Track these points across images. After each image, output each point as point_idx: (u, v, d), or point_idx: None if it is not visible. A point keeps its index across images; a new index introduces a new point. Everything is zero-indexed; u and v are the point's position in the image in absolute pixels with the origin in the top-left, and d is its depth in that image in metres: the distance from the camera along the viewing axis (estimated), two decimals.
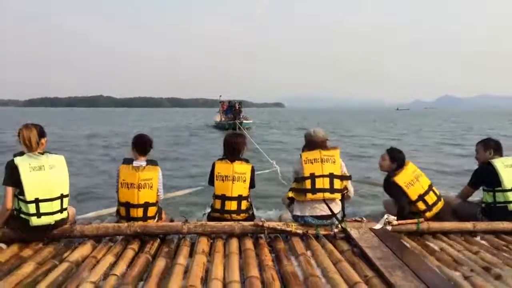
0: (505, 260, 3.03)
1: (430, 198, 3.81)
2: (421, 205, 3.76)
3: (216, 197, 3.76)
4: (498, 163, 3.89)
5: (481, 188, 4.10)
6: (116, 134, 26.50)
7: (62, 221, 3.29)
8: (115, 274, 2.64)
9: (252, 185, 3.84)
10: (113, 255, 3.00)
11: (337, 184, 3.61)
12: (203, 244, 3.22)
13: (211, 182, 3.82)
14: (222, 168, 3.76)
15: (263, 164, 7.49)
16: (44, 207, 3.14)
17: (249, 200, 3.85)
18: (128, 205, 3.53)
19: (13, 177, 3.08)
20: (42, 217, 3.14)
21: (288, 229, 3.47)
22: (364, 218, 3.70)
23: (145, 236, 3.40)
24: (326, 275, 2.67)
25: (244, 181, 3.73)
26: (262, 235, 3.48)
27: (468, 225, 3.71)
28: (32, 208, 3.10)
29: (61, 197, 3.25)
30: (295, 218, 3.67)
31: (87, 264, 2.82)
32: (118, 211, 3.66)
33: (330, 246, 3.26)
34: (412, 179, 3.82)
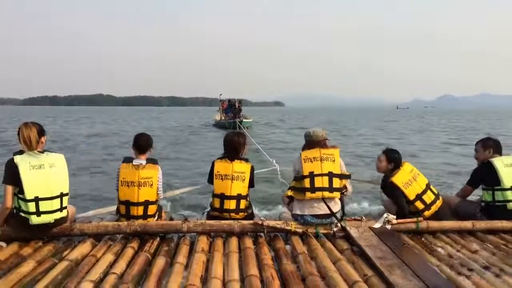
0: (504, 259, 3.03)
1: (428, 197, 3.82)
2: (419, 205, 3.76)
3: (215, 196, 3.76)
4: (498, 162, 3.90)
5: (480, 187, 4.11)
6: (115, 134, 26.48)
7: (62, 220, 3.30)
8: (115, 273, 2.64)
9: (251, 184, 3.84)
10: (112, 253, 3.01)
11: (336, 183, 3.62)
12: (202, 243, 3.23)
13: (211, 181, 3.83)
14: (222, 167, 3.76)
15: (263, 163, 7.49)
16: (44, 205, 3.14)
17: (248, 199, 3.86)
18: (128, 203, 3.54)
19: (13, 176, 3.08)
20: (42, 215, 3.14)
21: (288, 228, 3.48)
22: (363, 217, 3.70)
23: (145, 234, 3.40)
24: (326, 274, 2.67)
25: (243, 180, 3.73)
26: (262, 234, 3.49)
27: (468, 224, 3.72)
28: (32, 207, 3.10)
29: (61, 195, 3.25)
30: (295, 217, 3.67)
31: (87, 263, 2.82)
32: (118, 210, 3.67)
33: (329, 245, 3.27)
34: (410, 179, 3.82)
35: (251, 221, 3.53)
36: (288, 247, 3.27)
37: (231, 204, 3.69)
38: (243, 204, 3.74)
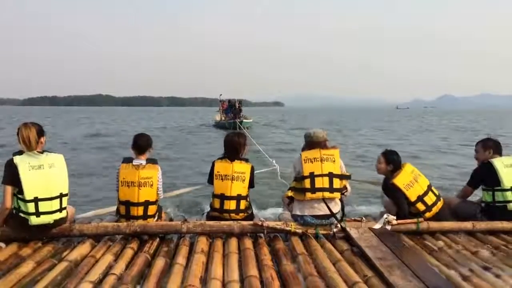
0: (504, 259, 3.03)
1: (430, 198, 3.80)
2: (420, 206, 3.75)
3: (215, 196, 3.76)
4: (498, 162, 3.89)
5: (480, 187, 4.10)
6: (115, 134, 26.47)
7: (61, 220, 3.29)
8: (114, 274, 2.64)
9: (251, 185, 3.83)
10: (112, 254, 3.00)
11: (337, 183, 3.61)
12: (202, 243, 3.22)
13: (211, 181, 3.83)
14: (222, 167, 3.76)
15: (263, 163, 7.49)
16: (43, 206, 3.13)
17: (248, 199, 3.85)
18: (128, 204, 3.53)
19: (12, 176, 3.07)
20: (41, 216, 3.14)
21: (288, 228, 3.47)
22: (363, 218, 3.70)
23: (145, 235, 3.40)
24: (325, 275, 2.67)
25: (243, 180, 3.73)
26: (262, 235, 3.49)
27: (468, 225, 3.71)
28: (31, 207, 3.10)
29: (60, 196, 3.24)
30: (295, 218, 3.67)
31: (86, 264, 2.81)
32: (118, 210, 3.66)
33: (329, 245, 3.26)
34: (411, 180, 3.80)
35: (251, 222, 3.52)
36: (287, 247, 3.27)
37: (231, 205, 3.68)
38: (243, 204, 3.73)
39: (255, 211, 4.18)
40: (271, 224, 3.48)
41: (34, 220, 3.12)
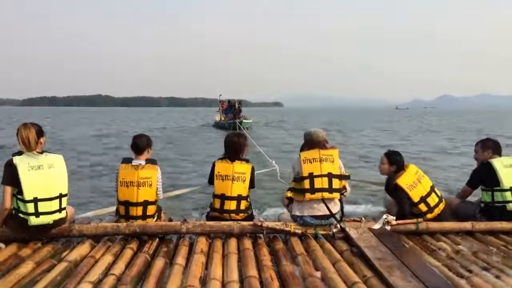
0: (504, 260, 3.03)
1: (432, 199, 3.80)
2: (423, 207, 3.75)
3: (215, 196, 3.76)
4: (497, 163, 3.90)
5: (480, 188, 4.10)
6: (114, 134, 26.46)
7: (61, 221, 3.29)
8: (114, 274, 2.64)
9: (252, 185, 3.84)
10: (111, 254, 3.00)
11: (336, 183, 3.61)
12: (202, 244, 3.22)
13: (211, 181, 3.83)
14: (222, 167, 3.76)
15: (262, 164, 7.49)
16: (42, 206, 3.13)
17: (248, 200, 3.86)
18: (127, 204, 3.53)
19: (12, 177, 3.07)
20: (41, 216, 3.13)
21: (287, 229, 3.47)
22: (363, 218, 3.70)
23: (144, 235, 3.40)
24: (325, 275, 2.67)
25: (244, 181, 3.73)
26: (261, 235, 3.49)
27: (467, 225, 3.72)
28: (30, 208, 3.10)
29: (60, 196, 3.24)
30: (294, 218, 3.67)
31: (86, 264, 2.81)
32: (117, 210, 3.66)
33: (328, 246, 3.26)
34: (414, 181, 3.80)
35: (250, 222, 3.53)
36: (287, 248, 3.27)
37: (231, 205, 3.69)
38: (243, 205, 3.74)
39: (254, 211, 4.18)
40: (271, 224, 3.48)
41: (33, 221, 3.11)
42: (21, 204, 3.12)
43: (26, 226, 3.13)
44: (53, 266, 2.80)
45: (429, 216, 3.75)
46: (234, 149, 3.84)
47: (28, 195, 3.08)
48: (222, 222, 3.52)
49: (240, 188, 3.71)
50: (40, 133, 3.24)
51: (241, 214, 3.72)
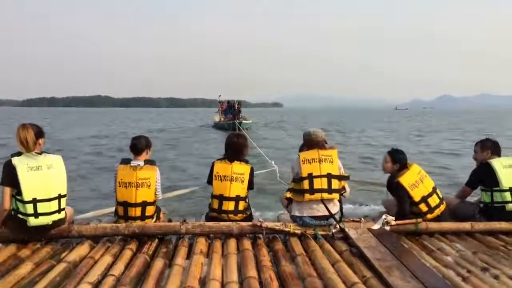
0: (503, 260, 3.04)
1: (433, 200, 3.80)
2: (423, 207, 3.74)
3: (214, 197, 3.76)
4: (496, 163, 3.90)
5: (479, 188, 4.11)
6: (114, 135, 26.45)
7: (60, 221, 3.29)
8: (113, 275, 2.63)
9: (250, 186, 3.84)
10: (111, 255, 3.00)
11: (335, 184, 3.61)
12: (201, 244, 3.22)
13: (210, 182, 3.83)
14: (221, 168, 3.77)
15: (262, 164, 7.49)
16: (42, 207, 3.13)
17: (247, 200, 3.85)
18: (126, 204, 3.53)
19: (11, 177, 3.07)
20: (40, 217, 3.13)
21: (286, 229, 3.47)
22: (362, 218, 3.70)
23: (143, 236, 3.40)
24: (324, 276, 2.67)
25: (242, 181, 3.73)
26: (261, 236, 3.49)
27: (466, 226, 3.72)
28: (29, 208, 3.09)
29: (59, 197, 3.24)
30: (293, 219, 3.67)
31: (85, 265, 2.81)
32: (116, 211, 3.66)
33: (328, 246, 3.26)
34: (417, 180, 3.80)
35: (250, 223, 3.52)
36: (286, 248, 3.26)
37: (229, 205, 3.69)
38: (241, 205, 3.73)
39: (254, 212, 4.18)
40: (270, 225, 3.48)
41: (32, 221, 3.11)
42: (20, 205, 3.11)
43: (25, 227, 3.13)
44: (52, 266, 2.80)
45: (429, 216, 3.75)
46: (235, 150, 3.85)
47: (27, 196, 3.08)
48: (222, 223, 3.52)
49: (238, 188, 3.71)
50: (39, 134, 3.24)
51: (239, 215, 3.72)
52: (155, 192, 3.64)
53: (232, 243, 3.27)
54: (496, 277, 2.70)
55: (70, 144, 19.83)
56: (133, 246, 3.22)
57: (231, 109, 34.18)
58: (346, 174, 3.76)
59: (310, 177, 3.58)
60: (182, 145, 20.03)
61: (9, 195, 3.13)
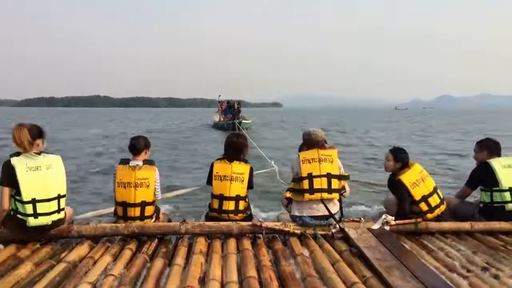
0: (502, 260, 3.03)
1: (434, 200, 3.79)
2: (423, 206, 3.74)
3: (214, 196, 3.76)
4: (496, 163, 3.90)
5: (479, 188, 4.11)
6: (113, 135, 26.44)
7: (60, 221, 3.29)
8: (113, 275, 2.63)
9: (250, 185, 3.84)
10: (110, 255, 3.00)
11: (335, 184, 3.61)
12: (200, 244, 3.22)
13: (210, 182, 3.83)
14: (221, 168, 3.77)
15: (261, 164, 7.49)
16: (41, 207, 3.13)
17: (247, 200, 3.86)
18: (125, 205, 3.53)
19: (10, 178, 3.06)
20: (39, 217, 3.13)
21: (286, 229, 3.47)
22: (362, 218, 3.70)
23: (143, 236, 3.40)
24: (324, 276, 2.67)
25: (242, 181, 3.73)
26: (260, 235, 3.49)
27: (466, 225, 3.72)
28: (29, 209, 3.09)
29: (58, 197, 3.24)
30: (293, 218, 3.67)
31: (85, 265, 2.81)
32: (115, 211, 3.66)
33: (328, 246, 3.26)
34: (418, 179, 3.80)
35: (250, 223, 3.52)
36: (286, 248, 3.26)
37: (229, 205, 3.69)
38: (241, 205, 3.74)
39: (253, 211, 4.18)
40: (270, 224, 3.48)
41: (32, 222, 3.11)
42: (19, 205, 3.11)
43: (25, 227, 3.12)
44: (52, 267, 2.80)
45: (429, 216, 3.74)
46: (235, 150, 3.85)
47: (26, 196, 3.07)
48: (221, 223, 3.52)
49: (238, 188, 3.71)
50: (38, 134, 3.22)
51: (239, 215, 3.72)
52: (154, 192, 3.64)
53: (231, 243, 3.27)
54: (496, 277, 2.70)
55: (69, 144, 19.81)
56: (132, 246, 3.22)
57: (231, 109, 34.16)
58: (346, 174, 3.76)
59: (310, 177, 3.58)
60: (182, 145, 20.01)
61: (8, 195, 3.13)
